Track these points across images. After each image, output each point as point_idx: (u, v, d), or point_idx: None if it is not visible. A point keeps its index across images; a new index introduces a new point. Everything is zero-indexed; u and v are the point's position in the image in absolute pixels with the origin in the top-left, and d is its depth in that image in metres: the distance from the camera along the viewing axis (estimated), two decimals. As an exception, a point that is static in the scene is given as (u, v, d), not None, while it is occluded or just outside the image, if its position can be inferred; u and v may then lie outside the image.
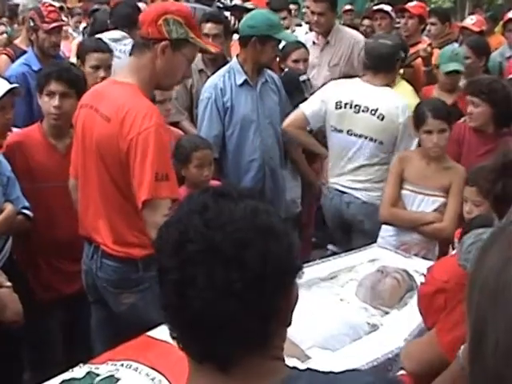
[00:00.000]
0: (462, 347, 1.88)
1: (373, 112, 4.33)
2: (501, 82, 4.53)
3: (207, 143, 4.03)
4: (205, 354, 1.22)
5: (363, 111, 4.36)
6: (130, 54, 3.10)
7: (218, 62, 5.27)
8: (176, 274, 1.18)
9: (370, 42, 4.69)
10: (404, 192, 4.16)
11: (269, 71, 4.76)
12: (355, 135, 4.37)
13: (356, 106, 4.38)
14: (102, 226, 3.05)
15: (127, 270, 3.04)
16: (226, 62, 4.97)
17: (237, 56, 4.66)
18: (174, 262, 1.19)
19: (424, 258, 3.88)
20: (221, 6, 5.97)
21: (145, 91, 3.01)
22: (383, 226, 4.25)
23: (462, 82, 5.38)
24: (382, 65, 4.44)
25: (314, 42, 6.01)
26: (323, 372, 1.33)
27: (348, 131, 4.39)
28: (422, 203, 4.12)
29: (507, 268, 0.83)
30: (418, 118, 4.05)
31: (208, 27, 5.29)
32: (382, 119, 4.29)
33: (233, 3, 6.16)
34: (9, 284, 2.72)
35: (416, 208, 4.13)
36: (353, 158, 4.41)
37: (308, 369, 1.36)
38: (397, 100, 4.38)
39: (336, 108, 4.41)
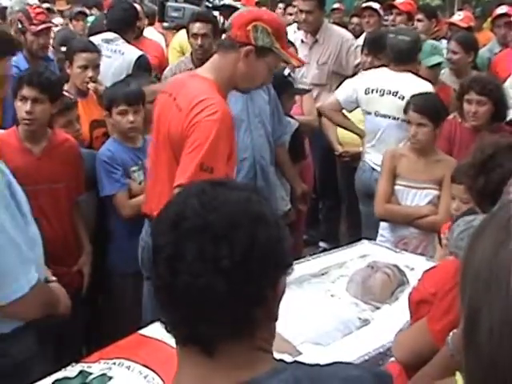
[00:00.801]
0: (451, 333, 1.89)
1: (394, 94, 4.78)
2: (495, 79, 4.59)
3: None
4: (190, 335, 1.26)
5: (387, 94, 4.82)
6: (216, 52, 3.24)
7: (207, 54, 5.27)
8: (169, 250, 1.24)
9: (391, 38, 5.03)
10: (397, 187, 4.22)
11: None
12: (381, 116, 4.83)
13: (381, 90, 4.85)
14: (159, 199, 3.08)
15: None
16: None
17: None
18: (169, 238, 1.25)
19: (422, 253, 3.93)
20: (209, 5, 5.96)
21: (222, 89, 3.12)
22: (381, 223, 4.29)
23: (450, 78, 5.43)
24: (403, 59, 4.88)
25: (302, 41, 6.04)
26: (309, 364, 1.35)
27: (375, 113, 4.86)
28: (416, 197, 4.17)
29: (498, 254, 0.84)
30: (404, 108, 4.24)
31: (197, 27, 5.30)
32: (403, 99, 4.55)
33: (221, 3, 6.16)
34: (54, 278, 2.72)
35: (410, 202, 4.19)
36: (381, 137, 4.83)
37: (295, 361, 1.38)
38: (416, 82, 4.77)
39: (365, 94, 4.90)
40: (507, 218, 0.87)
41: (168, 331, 1.31)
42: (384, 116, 4.81)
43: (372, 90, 4.89)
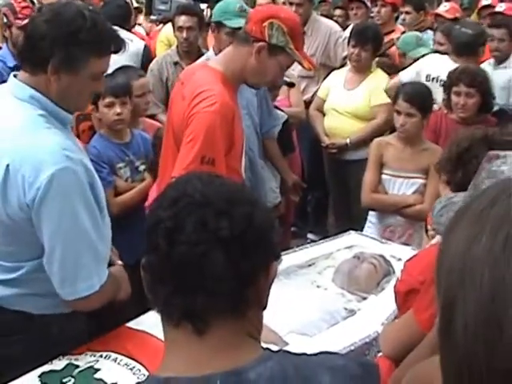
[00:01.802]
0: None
1: None
2: (482, 70, 4.60)
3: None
4: (183, 309, 1.28)
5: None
6: (230, 43, 3.24)
7: (192, 54, 5.29)
8: (169, 222, 1.27)
9: (456, 29, 5.25)
10: (384, 177, 4.27)
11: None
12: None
13: (440, 80, 4.87)
14: None
15: None
16: (201, 54, 4.99)
17: (213, 47, 4.67)
18: (169, 212, 1.28)
19: (406, 243, 3.97)
20: None
21: (230, 81, 3.11)
22: (369, 212, 4.33)
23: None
24: (464, 51, 5.03)
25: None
26: (296, 353, 1.38)
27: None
28: (402, 186, 4.22)
29: (472, 248, 0.85)
30: (394, 97, 4.28)
31: (182, 20, 5.30)
32: None
33: None
34: (120, 262, 2.75)
35: (396, 191, 4.24)
36: None
37: (281, 350, 1.40)
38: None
39: (426, 80, 4.97)
40: (480, 210, 0.88)
41: (161, 310, 1.32)
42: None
43: (433, 79, 5.00)
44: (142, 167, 4.02)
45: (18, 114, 2.34)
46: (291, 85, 5.08)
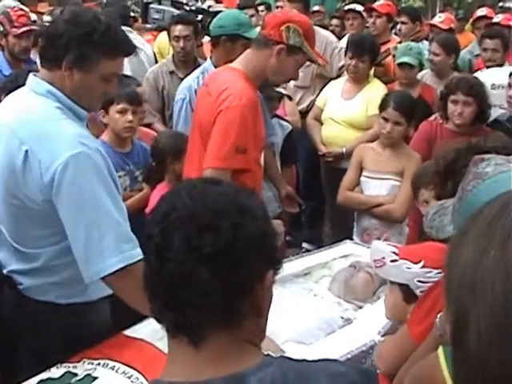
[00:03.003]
0: (439, 315, 1.91)
1: None
2: (479, 80, 4.64)
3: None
4: (177, 324, 1.29)
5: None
6: (249, 47, 3.55)
7: (188, 63, 5.31)
8: (158, 238, 1.29)
9: None
10: (362, 178, 4.40)
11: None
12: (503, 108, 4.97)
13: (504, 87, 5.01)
14: None
15: None
16: (198, 64, 5.01)
17: (210, 57, 4.68)
18: (158, 228, 1.29)
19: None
20: (192, 9, 5.98)
21: (252, 79, 3.40)
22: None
23: (432, 79, 5.47)
24: None
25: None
26: (296, 360, 1.38)
27: (500, 106, 4.98)
28: (377, 187, 4.33)
29: (482, 260, 0.86)
30: (381, 104, 4.34)
31: (178, 29, 5.32)
32: None
33: (202, 6, 6.20)
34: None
35: (372, 192, 4.34)
36: None
37: (281, 356, 1.40)
38: None
39: (492, 88, 5.01)
40: (487, 223, 0.89)
41: (157, 319, 1.34)
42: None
43: (498, 86, 5.12)
44: (140, 177, 4.05)
45: (36, 106, 2.48)
46: (289, 98, 5.10)
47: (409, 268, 2.36)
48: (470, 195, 1.67)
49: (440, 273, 2.28)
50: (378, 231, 4.28)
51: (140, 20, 8.73)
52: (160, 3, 6.07)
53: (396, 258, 2.40)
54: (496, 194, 0.98)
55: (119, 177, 3.84)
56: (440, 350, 1.67)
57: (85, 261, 2.39)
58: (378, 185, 4.32)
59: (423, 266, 2.34)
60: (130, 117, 3.90)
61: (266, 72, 3.42)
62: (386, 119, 4.25)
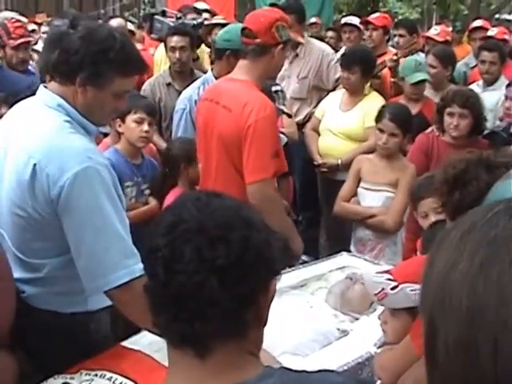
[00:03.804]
0: None
1: None
2: (475, 92, 4.66)
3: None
4: (183, 335, 1.29)
5: None
6: (241, 58, 3.72)
7: (185, 75, 5.33)
8: (166, 250, 1.29)
9: None
10: (359, 190, 4.44)
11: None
12: None
13: None
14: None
15: None
16: (194, 76, 5.06)
17: (211, 69, 4.71)
18: (166, 240, 1.30)
19: (377, 256, 4.12)
20: (194, 22, 5.99)
21: (258, 85, 3.64)
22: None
23: (429, 92, 5.48)
24: None
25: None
26: (296, 371, 1.40)
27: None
28: (372, 199, 4.36)
29: (451, 273, 0.86)
30: (378, 115, 4.39)
31: (174, 40, 5.33)
32: None
33: (199, 20, 6.23)
34: None
35: (367, 203, 4.37)
36: None
37: (281, 367, 1.42)
38: None
39: None
40: (459, 236, 0.89)
41: (162, 332, 1.35)
42: None
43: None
44: (146, 191, 4.08)
45: (46, 119, 2.49)
46: (289, 116, 5.12)
47: (413, 290, 2.34)
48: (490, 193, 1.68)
49: None
50: (372, 242, 4.32)
51: (141, 31, 8.80)
52: (164, 15, 6.09)
53: (395, 283, 2.39)
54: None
55: (127, 186, 3.90)
56: None
57: (88, 274, 2.40)
58: (374, 196, 4.35)
59: None
60: (146, 127, 3.95)
61: (267, 74, 3.68)
62: (381, 130, 4.29)
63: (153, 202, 4.11)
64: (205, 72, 5.46)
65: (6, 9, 15.40)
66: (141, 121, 3.94)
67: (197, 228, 1.29)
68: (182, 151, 4.11)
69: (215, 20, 6.91)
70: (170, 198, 3.92)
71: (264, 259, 1.33)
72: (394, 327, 2.47)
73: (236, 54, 4.46)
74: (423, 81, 5.32)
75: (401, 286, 2.36)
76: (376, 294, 2.41)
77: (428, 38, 7.10)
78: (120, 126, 3.97)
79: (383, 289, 2.38)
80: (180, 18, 6.11)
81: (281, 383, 1.30)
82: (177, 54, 5.35)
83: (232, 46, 4.45)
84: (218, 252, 1.26)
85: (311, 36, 7.31)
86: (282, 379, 1.31)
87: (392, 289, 2.37)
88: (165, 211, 1.40)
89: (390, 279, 2.39)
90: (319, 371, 1.44)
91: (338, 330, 3.02)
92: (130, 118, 3.93)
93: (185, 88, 5.08)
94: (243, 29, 3.73)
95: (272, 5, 6.21)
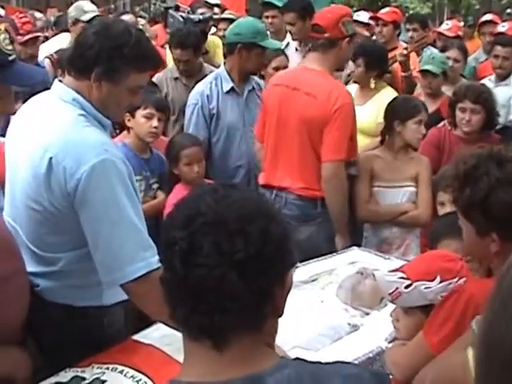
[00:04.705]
0: (476, 318, 1.89)
1: None
2: (487, 87, 4.64)
3: (195, 140, 4.14)
4: (202, 327, 1.30)
5: None
6: (313, 50, 4.15)
7: (193, 70, 5.30)
8: (184, 243, 1.28)
9: None
10: (376, 189, 4.34)
11: (256, 78, 4.81)
12: None
13: None
14: (293, 176, 4.09)
15: (308, 206, 4.09)
16: (203, 71, 5.10)
17: (224, 63, 4.71)
18: (184, 233, 1.29)
19: (405, 253, 4.09)
20: (200, 18, 5.97)
21: (331, 74, 4.13)
22: (364, 226, 4.36)
23: (446, 89, 5.46)
24: None
25: (296, 49, 6.10)
26: (311, 362, 1.41)
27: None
28: (395, 196, 4.30)
29: None
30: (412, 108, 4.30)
31: (177, 53, 5.30)
32: None
33: (206, 15, 6.22)
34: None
35: (390, 202, 4.30)
36: None
37: (297, 358, 1.43)
38: None
39: None
40: None
41: (179, 325, 1.35)
42: None
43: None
44: (155, 185, 4.09)
45: (61, 113, 2.50)
46: None
47: (428, 288, 2.33)
48: None
49: (458, 280, 2.29)
50: (399, 239, 4.27)
51: (150, 26, 8.78)
52: (177, 9, 6.08)
53: (408, 282, 2.38)
54: None
55: (136, 180, 3.90)
56: (470, 352, 1.67)
57: (105, 267, 2.41)
58: (397, 193, 4.29)
59: (441, 281, 2.33)
60: (155, 122, 3.95)
61: (337, 65, 4.16)
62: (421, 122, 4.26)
63: (161, 195, 4.12)
64: (215, 66, 5.46)
65: (18, 4, 15.46)
66: (150, 116, 3.94)
67: (216, 221, 1.28)
68: (181, 147, 4.10)
69: (223, 15, 6.91)
70: (172, 198, 3.95)
71: (283, 252, 1.33)
72: (407, 325, 2.47)
73: (247, 48, 4.46)
74: (433, 74, 5.28)
75: (414, 285, 2.36)
76: (390, 294, 2.41)
77: (439, 33, 7.08)
78: (129, 120, 3.98)
79: (397, 288, 2.38)
80: (189, 12, 6.09)
81: (296, 374, 1.31)
82: (181, 66, 5.36)
83: (242, 39, 4.46)
84: (237, 245, 1.26)
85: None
86: (297, 369, 1.32)
87: (406, 287, 2.37)
88: (181, 203, 1.38)
89: (402, 277, 2.39)
90: (334, 362, 1.45)
91: (349, 324, 3.02)
92: (140, 113, 3.93)
93: (192, 83, 5.08)
94: (313, 25, 4.18)
95: (266, 3, 6.30)
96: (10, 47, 2.21)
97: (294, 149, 4.03)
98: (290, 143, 4.04)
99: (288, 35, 6.38)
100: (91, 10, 5.99)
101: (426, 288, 2.33)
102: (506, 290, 0.96)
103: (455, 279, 2.31)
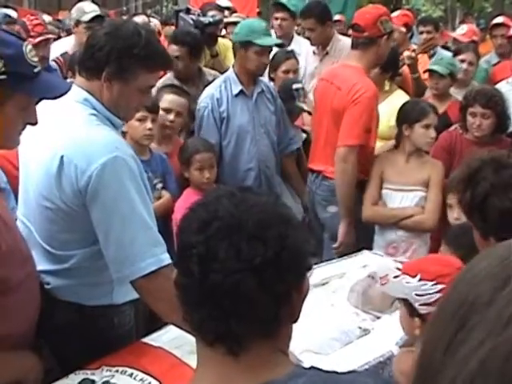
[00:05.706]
0: None
1: None
2: (498, 90, 4.60)
3: (208, 146, 4.13)
4: (218, 333, 1.28)
5: None
6: (353, 48, 4.46)
7: (189, 74, 5.25)
8: (201, 248, 1.26)
9: None
10: (385, 191, 4.34)
11: (265, 81, 4.80)
12: None
13: None
14: (326, 161, 4.47)
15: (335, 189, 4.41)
16: (202, 76, 5.18)
17: (232, 66, 4.71)
18: (200, 237, 1.26)
19: (412, 256, 4.02)
20: (210, 20, 5.97)
21: (367, 71, 4.43)
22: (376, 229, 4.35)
23: (453, 91, 5.43)
24: None
25: (314, 52, 6.10)
26: (326, 371, 1.38)
27: None
28: (403, 200, 4.27)
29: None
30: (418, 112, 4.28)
31: (171, 49, 5.13)
32: None
33: (216, 18, 6.23)
34: None
35: (397, 205, 4.28)
36: None
37: (312, 367, 1.41)
38: None
39: None
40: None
41: (194, 330, 1.33)
42: None
43: None
44: (159, 185, 4.07)
45: (73, 113, 2.53)
46: (309, 114, 5.11)
47: (408, 282, 2.35)
48: None
49: (435, 284, 2.28)
50: (406, 243, 4.25)
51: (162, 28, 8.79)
52: (188, 12, 6.09)
53: (398, 273, 2.39)
54: None
55: None
56: None
57: (116, 263, 2.42)
58: (406, 197, 4.27)
59: (420, 279, 2.33)
60: (149, 124, 3.93)
61: (377, 61, 4.46)
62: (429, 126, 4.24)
63: (166, 195, 4.11)
64: (224, 69, 5.43)
65: (30, 6, 15.52)
66: (144, 118, 3.93)
67: (234, 225, 1.26)
68: (194, 152, 4.10)
69: (231, 18, 6.89)
70: (182, 201, 3.95)
71: (300, 256, 1.31)
72: (399, 316, 2.50)
73: (244, 46, 4.44)
74: (441, 75, 5.24)
75: (401, 277, 2.37)
76: (381, 278, 2.48)
77: (454, 39, 7.06)
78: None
79: (387, 275, 2.42)
80: (199, 15, 6.09)
81: (311, 383, 1.29)
82: (175, 65, 5.19)
83: (238, 38, 4.46)
84: (255, 251, 1.24)
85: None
86: (313, 379, 1.30)
87: (394, 277, 2.41)
88: (196, 208, 1.35)
89: (398, 268, 2.43)
90: (349, 372, 1.43)
91: (360, 328, 3.00)
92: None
93: (193, 89, 5.02)
94: (353, 25, 4.46)
95: (278, 4, 6.36)
96: (35, 59, 2.22)
97: (327, 137, 4.45)
98: (324, 131, 4.49)
99: (294, 39, 6.37)
100: (92, 11, 5.96)
101: (406, 282, 2.34)
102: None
103: (431, 283, 2.30)
